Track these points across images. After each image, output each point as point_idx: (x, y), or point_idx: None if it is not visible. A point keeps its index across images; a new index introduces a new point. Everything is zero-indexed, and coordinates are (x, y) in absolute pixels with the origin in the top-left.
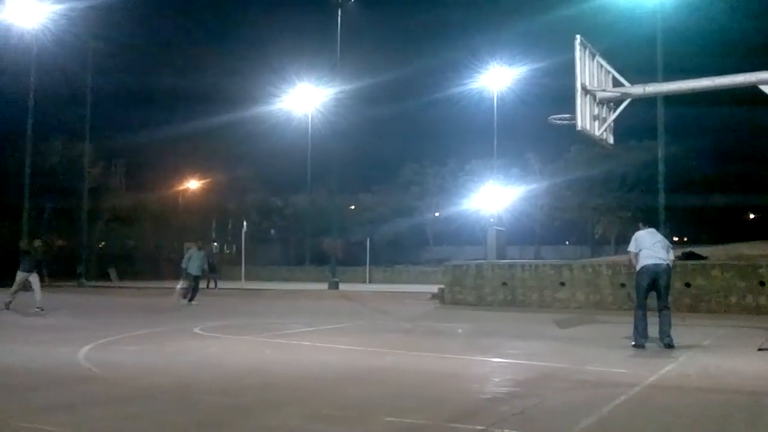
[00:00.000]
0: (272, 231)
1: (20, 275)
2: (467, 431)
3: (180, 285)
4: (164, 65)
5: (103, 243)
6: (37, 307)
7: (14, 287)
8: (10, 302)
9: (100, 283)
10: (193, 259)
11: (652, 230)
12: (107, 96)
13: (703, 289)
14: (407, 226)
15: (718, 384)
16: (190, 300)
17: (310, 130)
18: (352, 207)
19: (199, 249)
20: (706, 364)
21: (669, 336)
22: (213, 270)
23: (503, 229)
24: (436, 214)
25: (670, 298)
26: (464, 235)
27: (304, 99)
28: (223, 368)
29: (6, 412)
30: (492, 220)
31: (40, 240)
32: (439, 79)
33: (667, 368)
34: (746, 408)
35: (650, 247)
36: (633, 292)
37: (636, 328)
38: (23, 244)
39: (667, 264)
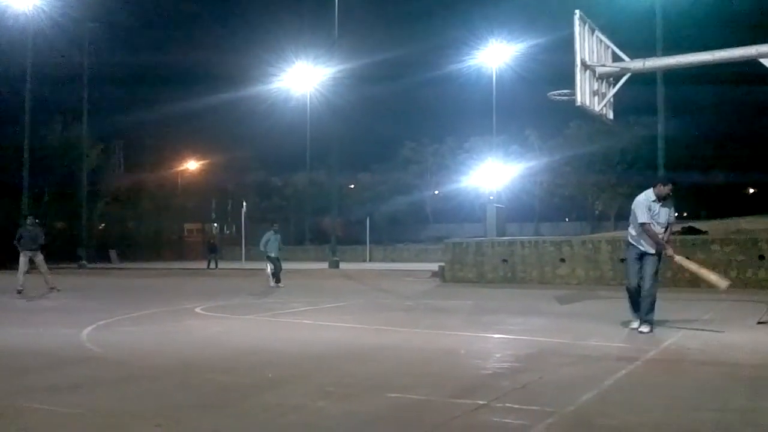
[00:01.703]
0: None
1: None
2: (469, 406)
3: (268, 269)
4: (161, 45)
5: (103, 225)
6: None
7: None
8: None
9: (100, 265)
10: (271, 242)
11: (666, 205)
12: (104, 77)
13: (703, 264)
14: (407, 204)
15: (718, 358)
16: (277, 281)
17: (308, 109)
18: (352, 186)
19: (275, 232)
20: (706, 338)
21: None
22: (213, 250)
23: (503, 206)
24: (436, 192)
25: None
26: (464, 212)
27: (302, 78)
28: (225, 347)
29: (9, 393)
30: (491, 197)
31: (32, 216)
32: (438, 57)
33: (668, 342)
34: (747, 381)
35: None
36: None
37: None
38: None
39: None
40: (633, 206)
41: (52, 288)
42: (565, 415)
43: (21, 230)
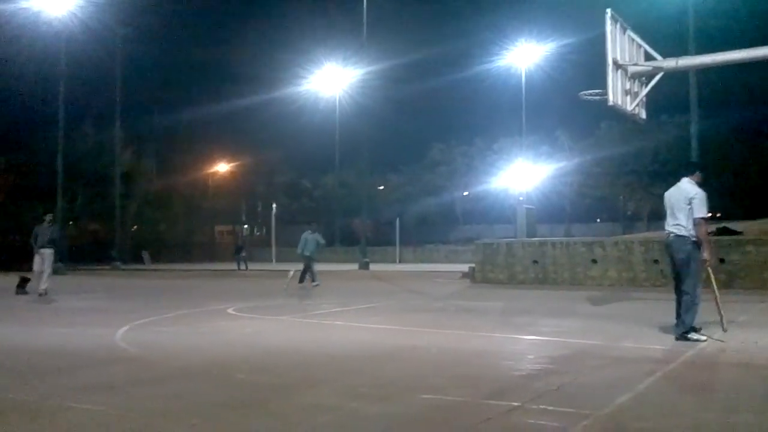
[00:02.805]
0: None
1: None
2: (503, 407)
3: (290, 273)
4: (192, 49)
5: (135, 227)
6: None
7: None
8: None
9: (133, 266)
10: (309, 242)
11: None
12: (136, 81)
13: (737, 265)
14: (436, 205)
15: (755, 360)
16: (312, 281)
17: (338, 110)
18: (381, 187)
19: (312, 232)
20: (742, 341)
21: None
22: (240, 251)
23: (533, 207)
24: (465, 193)
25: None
26: (493, 213)
27: (331, 80)
28: (258, 348)
29: (45, 392)
30: (521, 198)
31: (50, 215)
32: (466, 57)
33: (703, 344)
34: None
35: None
36: (667, 268)
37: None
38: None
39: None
40: (690, 196)
41: (43, 292)
42: (601, 417)
43: (36, 229)
